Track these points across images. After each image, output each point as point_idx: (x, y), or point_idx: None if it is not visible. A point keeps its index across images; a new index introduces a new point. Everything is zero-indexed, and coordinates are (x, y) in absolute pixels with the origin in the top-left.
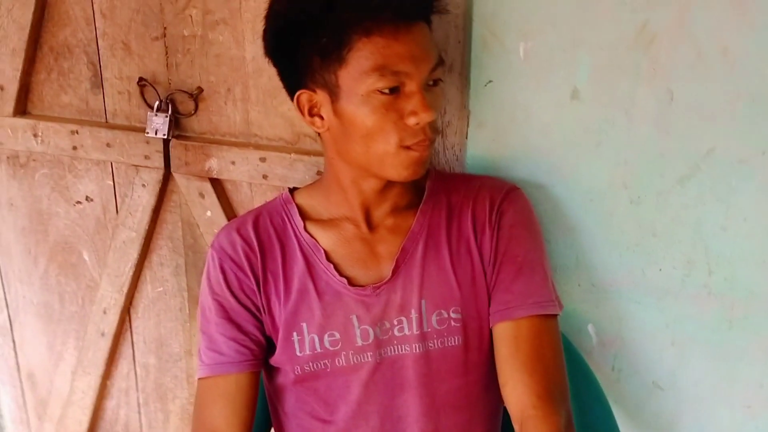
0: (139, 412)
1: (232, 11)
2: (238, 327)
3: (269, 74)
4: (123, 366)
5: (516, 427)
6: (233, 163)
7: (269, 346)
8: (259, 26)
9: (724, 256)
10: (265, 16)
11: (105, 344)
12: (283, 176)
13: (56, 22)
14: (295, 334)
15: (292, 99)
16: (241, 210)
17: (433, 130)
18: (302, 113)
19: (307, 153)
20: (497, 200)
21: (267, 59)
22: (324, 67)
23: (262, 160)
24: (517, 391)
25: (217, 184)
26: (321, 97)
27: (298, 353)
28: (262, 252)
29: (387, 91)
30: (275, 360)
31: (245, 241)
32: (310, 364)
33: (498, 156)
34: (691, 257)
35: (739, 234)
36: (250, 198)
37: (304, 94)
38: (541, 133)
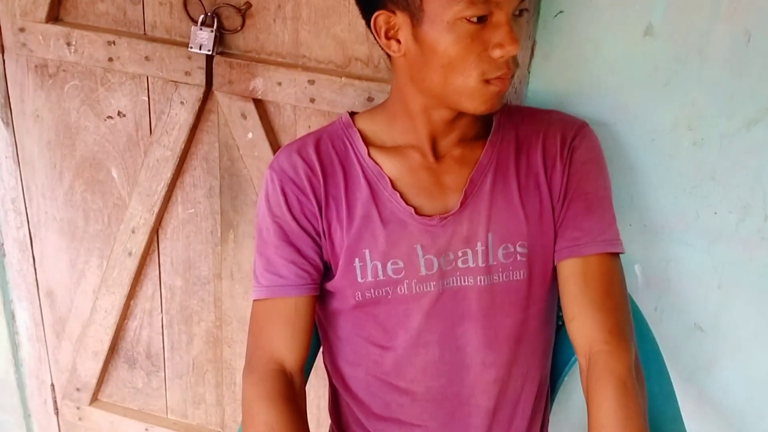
0: (162, 334)
1: None
2: (298, 250)
3: None
4: (148, 287)
5: (582, 361)
6: (280, 84)
7: (326, 271)
8: None
9: None
10: None
11: (132, 264)
12: (331, 101)
13: None
14: (357, 260)
15: (367, 19)
16: (283, 134)
17: (515, 63)
18: (377, 35)
19: (358, 77)
20: (569, 135)
21: None
22: None
23: (311, 82)
24: (586, 327)
25: (259, 106)
26: (401, 19)
27: (359, 279)
28: (325, 175)
29: (475, 19)
30: (334, 285)
31: (307, 163)
32: (372, 290)
33: (561, 90)
34: (748, 202)
35: None
36: (293, 122)
37: (382, 15)
38: (608, 69)
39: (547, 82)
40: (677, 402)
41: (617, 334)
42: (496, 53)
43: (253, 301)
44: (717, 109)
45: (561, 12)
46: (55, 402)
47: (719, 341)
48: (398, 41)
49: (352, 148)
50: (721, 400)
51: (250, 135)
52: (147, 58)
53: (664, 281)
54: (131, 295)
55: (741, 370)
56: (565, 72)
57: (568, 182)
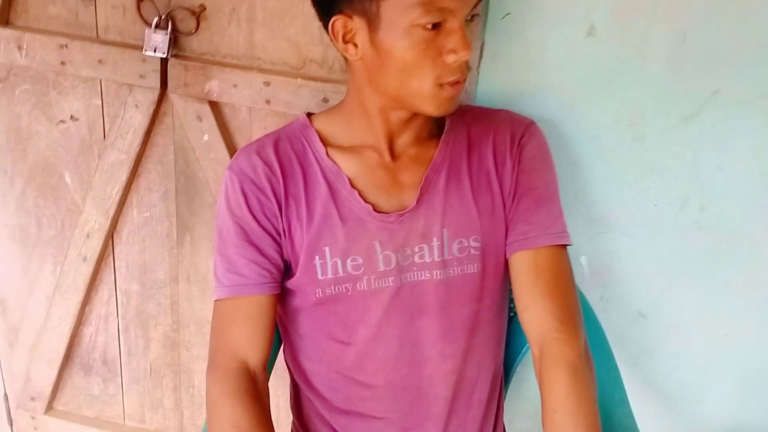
0: (119, 339)
1: None
2: (259, 250)
3: None
4: (103, 292)
5: (535, 349)
6: (235, 86)
7: (286, 270)
8: None
9: (717, 194)
10: None
11: (86, 269)
12: (287, 102)
13: None
14: (317, 257)
15: (324, 23)
16: (239, 136)
17: (468, 67)
18: (335, 39)
19: (313, 79)
20: (518, 134)
21: None
22: None
23: (266, 84)
24: (538, 316)
25: (215, 108)
26: (358, 24)
27: (320, 276)
28: (284, 175)
29: (430, 26)
30: (294, 283)
31: (266, 163)
32: (332, 287)
33: (509, 90)
34: (686, 194)
35: (733, 173)
36: (248, 123)
37: (339, 20)
38: (554, 69)
39: (496, 83)
40: (623, 386)
41: (567, 322)
42: (450, 58)
43: (215, 300)
44: (656, 105)
45: (508, 14)
46: (8, 412)
47: (662, 327)
48: (355, 45)
49: (311, 148)
50: (665, 383)
51: (205, 137)
52: (100, 62)
53: (609, 271)
54: (86, 300)
55: (682, 355)
56: (512, 72)
57: (518, 179)
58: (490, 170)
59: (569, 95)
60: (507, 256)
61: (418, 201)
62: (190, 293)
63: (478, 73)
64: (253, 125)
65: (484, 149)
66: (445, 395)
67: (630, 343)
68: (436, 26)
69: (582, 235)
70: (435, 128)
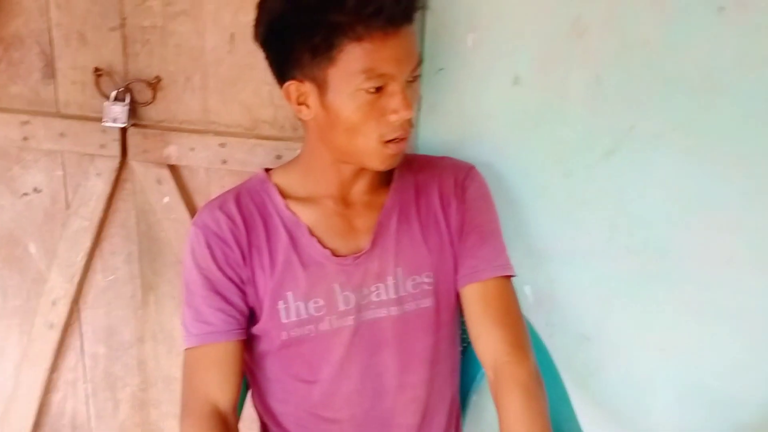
0: (87, 403)
1: (194, 2)
2: (225, 298)
3: (228, 63)
4: (70, 357)
5: (490, 373)
6: (192, 149)
7: (251, 317)
8: (221, 17)
9: (642, 220)
10: (258, 5)
11: (54, 336)
12: (242, 161)
13: (7, 13)
14: (281, 302)
15: (280, 85)
16: (198, 195)
17: (410, 125)
18: (289, 101)
19: (266, 138)
20: (460, 178)
21: (257, 45)
22: (314, 63)
23: (222, 145)
24: (490, 343)
25: (174, 171)
26: (309, 88)
27: (284, 320)
28: (247, 227)
29: (373, 90)
30: (260, 328)
31: (229, 217)
32: (296, 329)
33: (448, 138)
34: (614, 222)
35: (655, 200)
36: (206, 183)
37: (292, 84)
38: (486, 116)
39: (435, 132)
40: (571, 404)
41: (518, 346)
42: (393, 118)
43: (185, 350)
44: (579, 143)
45: (441, 69)
46: None
47: (604, 348)
48: (308, 106)
49: (270, 201)
50: (611, 400)
51: (166, 199)
52: (62, 135)
53: (552, 298)
54: (54, 367)
55: (625, 372)
56: (449, 121)
57: (463, 218)
58: (437, 212)
59: (502, 139)
60: (458, 289)
61: (373, 243)
62: (157, 352)
63: (418, 124)
64: (211, 185)
65: (430, 193)
66: (407, 423)
67: (576, 365)
68: (379, 89)
69: (524, 266)
70: (385, 176)
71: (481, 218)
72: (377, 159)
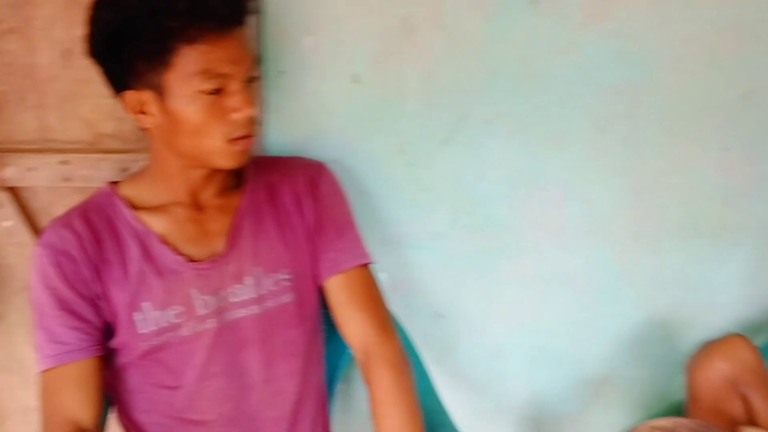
0: None
1: (23, 20)
2: (78, 316)
3: (64, 79)
4: None
5: (359, 355)
6: (32, 169)
7: (108, 331)
8: (52, 33)
9: (481, 200)
10: (88, 19)
11: None
12: (87, 177)
13: None
14: (137, 313)
15: (117, 97)
16: (42, 216)
17: (255, 122)
18: (128, 111)
19: (110, 152)
20: (311, 176)
21: (90, 60)
22: (150, 70)
23: (64, 163)
24: (358, 327)
25: (14, 193)
26: (148, 96)
27: (141, 330)
28: (95, 242)
29: (212, 91)
30: (117, 342)
31: (75, 234)
32: (156, 338)
33: (295, 138)
34: (456, 204)
35: (490, 181)
36: (49, 203)
37: (130, 94)
38: (329, 115)
39: (282, 132)
40: (431, 379)
41: (384, 327)
42: (235, 116)
43: (41, 372)
44: (418, 134)
45: (282, 71)
46: None
47: (458, 323)
48: (149, 114)
49: (118, 214)
50: (468, 371)
51: (7, 223)
52: None
53: (406, 281)
54: None
55: (478, 343)
56: (295, 122)
57: (319, 214)
58: (291, 211)
59: (347, 135)
60: (320, 282)
61: (228, 246)
62: (10, 383)
63: (265, 126)
64: (55, 204)
65: (283, 193)
66: (275, 416)
67: (433, 342)
68: (218, 91)
69: (379, 253)
70: (236, 179)
71: (335, 213)
72: (226, 157)
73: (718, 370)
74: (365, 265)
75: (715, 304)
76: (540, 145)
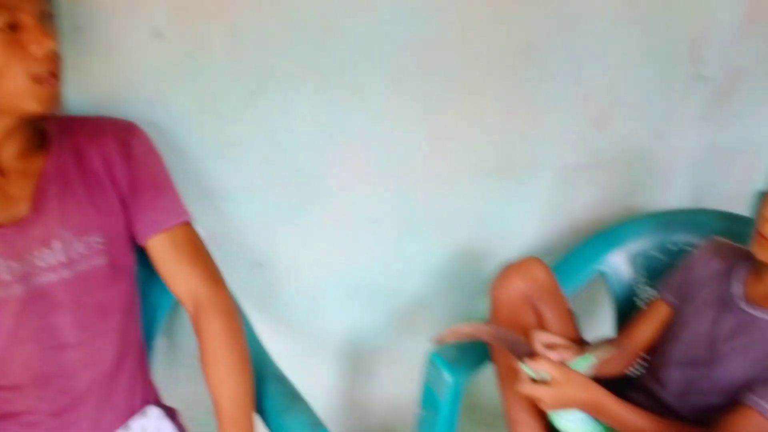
0: None
1: None
2: None
3: None
4: None
5: (190, 308)
6: None
7: None
8: None
9: (292, 152)
10: None
11: None
12: None
13: None
14: None
15: None
16: None
17: (58, 58)
18: None
19: None
20: (122, 136)
21: None
22: None
23: None
24: (189, 281)
25: None
26: None
27: None
28: None
29: (4, 27)
30: None
31: None
32: None
33: (99, 97)
34: (268, 157)
35: (299, 133)
36: None
37: None
38: (134, 72)
39: (84, 92)
40: (252, 325)
41: (213, 278)
42: (34, 49)
43: None
44: (226, 88)
45: (79, 27)
46: None
47: (276, 271)
48: None
49: None
50: (288, 314)
51: None
52: None
53: (224, 234)
54: None
55: (297, 288)
56: (97, 80)
57: (134, 175)
58: (101, 173)
59: (154, 92)
60: (143, 243)
61: (33, 210)
62: None
63: (64, 86)
64: None
65: (92, 155)
66: (92, 375)
67: (253, 291)
68: (13, 27)
69: (196, 208)
70: (39, 141)
71: (151, 173)
72: (33, 99)
73: (516, 288)
74: (189, 222)
75: (506, 235)
76: (344, 97)
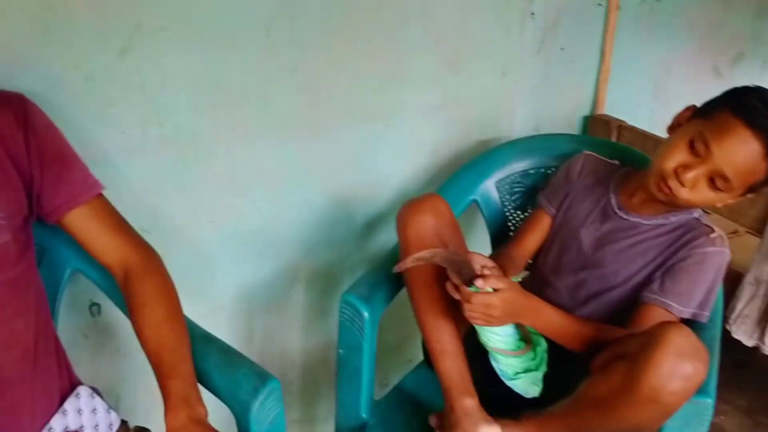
0: None
1: None
2: None
3: None
4: None
5: (120, 273)
6: None
7: None
8: None
9: (168, 110)
10: None
11: None
12: None
13: None
14: None
15: None
16: None
17: None
18: None
19: None
20: (17, 108)
21: None
22: None
23: None
24: (118, 249)
25: None
26: None
27: None
28: None
29: None
30: None
31: None
32: None
33: None
34: (144, 116)
35: (174, 89)
36: None
37: None
38: None
39: None
40: None
41: (140, 242)
42: None
43: None
44: (93, 45)
45: None
46: None
47: (164, 236)
48: None
49: None
50: (180, 281)
51: None
52: None
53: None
54: None
55: (187, 252)
56: None
57: (39, 150)
58: None
59: (12, 53)
60: (56, 219)
61: None
62: None
63: None
64: None
65: None
66: (16, 356)
67: None
68: None
69: None
70: None
71: (56, 145)
72: None
73: (427, 224)
74: (101, 194)
75: (381, 178)
76: (216, 49)
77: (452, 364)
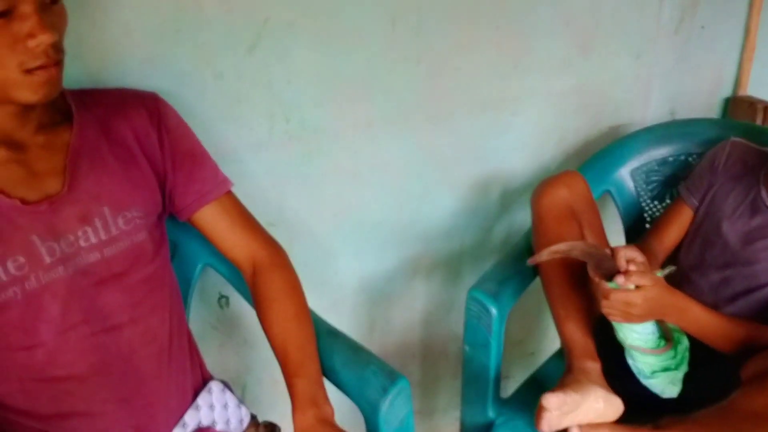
0: None
1: None
2: None
3: None
4: None
5: (248, 269)
6: None
7: None
8: None
9: (294, 104)
10: None
11: None
12: None
13: None
14: None
15: None
16: None
17: (57, 50)
18: None
19: None
20: (151, 107)
21: None
22: None
23: None
24: (247, 247)
25: None
26: None
27: None
28: None
29: None
30: None
31: None
32: None
33: (91, 63)
34: (271, 111)
35: (300, 84)
36: None
37: None
38: (124, 34)
39: (78, 58)
40: None
41: (268, 238)
42: (31, 43)
43: None
44: (222, 43)
45: None
46: None
47: (289, 229)
48: None
49: None
50: (304, 272)
51: None
52: None
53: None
54: None
55: (311, 244)
56: (107, 52)
57: (172, 148)
58: (132, 146)
59: (148, 53)
60: (188, 216)
61: (67, 187)
62: None
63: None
64: None
65: (121, 128)
66: (150, 353)
67: None
68: (4, 14)
69: None
70: (59, 115)
71: (187, 143)
72: (27, 90)
73: (562, 197)
74: (230, 190)
75: (504, 168)
76: (341, 43)
77: (576, 329)
